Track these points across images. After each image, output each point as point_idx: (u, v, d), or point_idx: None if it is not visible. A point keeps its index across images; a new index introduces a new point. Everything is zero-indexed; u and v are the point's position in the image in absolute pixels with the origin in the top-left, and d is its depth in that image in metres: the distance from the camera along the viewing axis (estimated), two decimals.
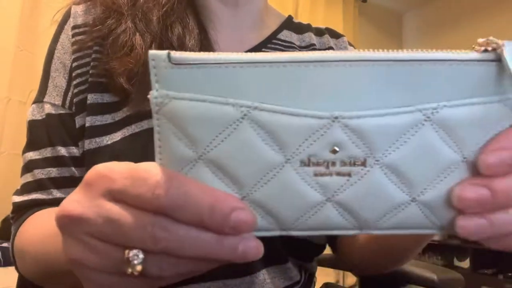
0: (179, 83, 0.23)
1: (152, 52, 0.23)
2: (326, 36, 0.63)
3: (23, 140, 0.51)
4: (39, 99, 0.51)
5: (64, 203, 0.26)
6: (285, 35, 0.60)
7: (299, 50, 0.60)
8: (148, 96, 0.24)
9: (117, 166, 0.25)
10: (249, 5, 0.57)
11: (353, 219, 0.25)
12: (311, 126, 0.23)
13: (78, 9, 0.52)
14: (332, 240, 0.59)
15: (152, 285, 0.26)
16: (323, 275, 0.74)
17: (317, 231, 0.26)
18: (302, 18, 2.14)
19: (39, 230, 0.41)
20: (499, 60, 0.23)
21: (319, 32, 0.63)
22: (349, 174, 0.24)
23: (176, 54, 0.23)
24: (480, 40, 0.23)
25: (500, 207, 0.24)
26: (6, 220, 1.55)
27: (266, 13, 0.61)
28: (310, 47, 0.61)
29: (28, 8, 1.80)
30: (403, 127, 0.23)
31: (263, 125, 0.23)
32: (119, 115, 0.47)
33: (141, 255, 0.24)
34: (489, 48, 0.23)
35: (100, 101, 0.47)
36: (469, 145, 0.24)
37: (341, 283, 2.51)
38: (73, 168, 0.48)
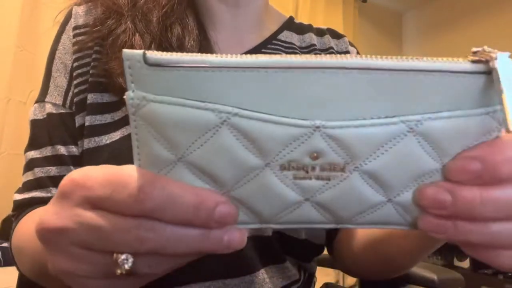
0: (156, 85, 0.22)
1: (126, 51, 0.21)
2: (327, 36, 0.63)
3: (23, 140, 0.51)
4: (40, 99, 0.51)
5: (42, 217, 0.25)
6: (286, 35, 0.60)
7: (300, 51, 0.60)
8: (124, 97, 0.22)
9: (93, 171, 0.24)
10: (250, 6, 0.57)
11: (330, 216, 0.26)
12: (292, 135, 0.23)
13: (79, 10, 0.52)
14: (329, 241, 0.58)
15: (143, 280, 0.27)
16: (323, 275, 0.75)
17: (295, 225, 0.26)
18: (302, 18, 2.14)
19: (32, 228, 0.42)
20: (489, 72, 0.22)
21: (320, 33, 0.64)
22: (328, 178, 0.24)
23: (151, 55, 0.21)
24: (474, 49, 0.23)
25: (464, 215, 0.24)
26: (6, 220, 1.54)
27: (267, 14, 0.61)
28: (310, 47, 0.61)
29: (28, 8, 1.80)
30: (385, 138, 0.23)
31: (243, 131, 0.23)
32: (118, 115, 0.47)
33: (130, 259, 0.24)
34: (482, 59, 0.22)
35: (100, 101, 0.48)
36: (451, 154, 0.24)
37: (341, 283, 2.51)
38: (72, 167, 0.48)
